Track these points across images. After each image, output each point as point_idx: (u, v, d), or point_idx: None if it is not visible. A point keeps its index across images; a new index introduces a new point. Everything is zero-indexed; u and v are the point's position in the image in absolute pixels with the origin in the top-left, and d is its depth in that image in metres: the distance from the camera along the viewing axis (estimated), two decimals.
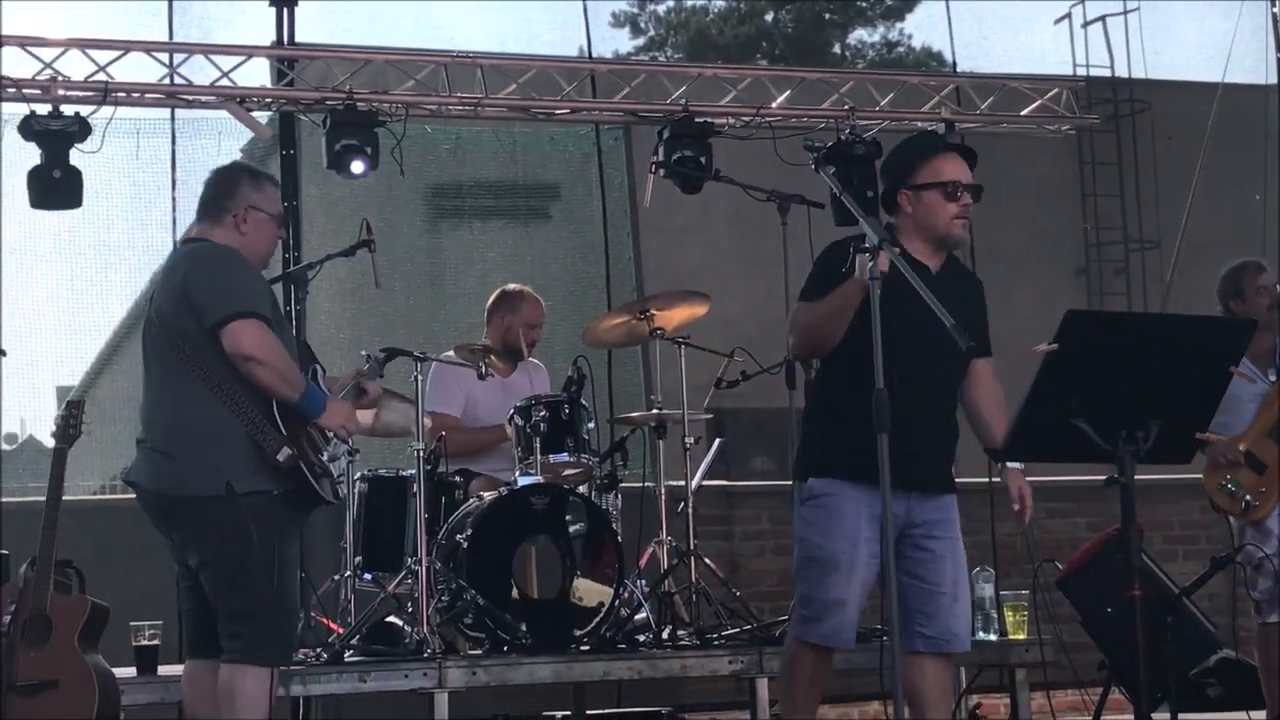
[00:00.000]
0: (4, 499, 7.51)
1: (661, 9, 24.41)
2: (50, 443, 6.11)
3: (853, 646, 5.52)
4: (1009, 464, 5.49)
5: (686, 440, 7.61)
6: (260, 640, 5.26)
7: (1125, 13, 11.92)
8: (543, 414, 7.15)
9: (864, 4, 25.81)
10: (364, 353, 6.16)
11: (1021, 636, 7.32)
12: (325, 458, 5.43)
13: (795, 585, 5.62)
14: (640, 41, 24.13)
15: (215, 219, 5.47)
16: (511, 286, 8.04)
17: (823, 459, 5.43)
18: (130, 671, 6.58)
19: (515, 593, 6.94)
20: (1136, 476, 4.77)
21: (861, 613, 5.47)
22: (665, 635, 7.20)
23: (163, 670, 6.68)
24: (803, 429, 5.66)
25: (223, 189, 5.53)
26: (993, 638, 7.35)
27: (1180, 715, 6.13)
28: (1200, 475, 7.04)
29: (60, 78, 8.18)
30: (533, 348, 7.94)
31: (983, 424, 5.62)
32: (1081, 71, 11.78)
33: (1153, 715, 5.14)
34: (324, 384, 5.59)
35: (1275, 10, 10.96)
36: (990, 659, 7.45)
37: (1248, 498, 7.00)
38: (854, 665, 6.16)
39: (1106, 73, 11.97)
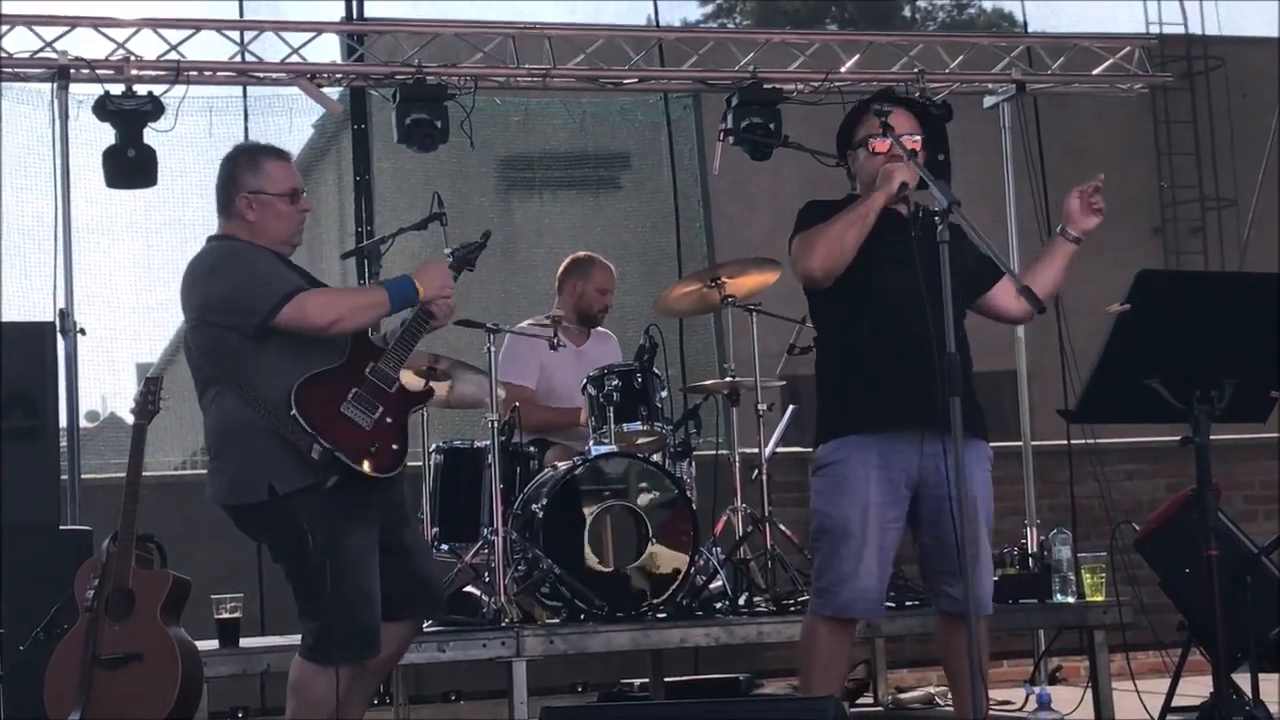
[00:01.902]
0: (86, 476, 7.60)
1: None
2: (130, 419, 6.17)
3: (875, 616, 5.48)
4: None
5: (760, 407, 7.62)
6: (323, 639, 5.26)
7: None
8: (615, 383, 7.17)
9: None
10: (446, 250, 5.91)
11: (1100, 599, 7.28)
12: (376, 420, 5.24)
13: (812, 554, 5.59)
14: (708, 9, 24.13)
15: (224, 212, 5.45)
16: (582, 253, 8.08)
17: (831, 422, 5.38)
18: (213, 644, 6.65)
19: (591, 561, 6.98)
20: (1214, 436, 4.75)
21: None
22: (741, 602, 7.21)
23: (244, 643, 6.76)
24: (818, 401, 5.57)
25: (220, 181, 5.47)
26: (1071, 600, 7.31)
27: (1261, 675, 6.09)
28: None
29: (133, 58, 8.23)
30: (604, 313, 7.96)
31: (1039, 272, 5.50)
32: (1154, 30, 11.68)
33: (1233, 676, 5.12)
34: (384, 336, 5.52)
35: None
36: (1069, 621, 7.45)
37: None
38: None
39: (1180, 30, 11.88)
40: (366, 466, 5.20)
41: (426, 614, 5.73)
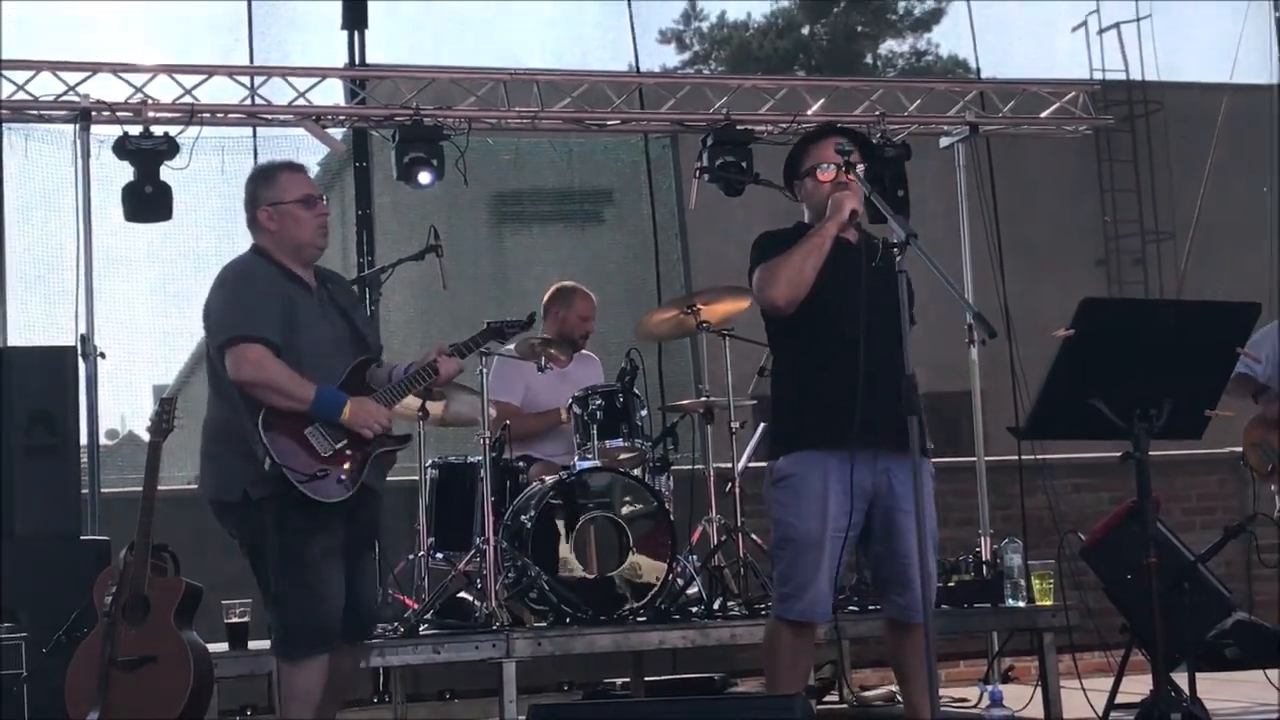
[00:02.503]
0: (105, 490, 7.58)
1: (705, 25, 24.43)
2: (146, 437, 6.15)
3: (829, 619, 5.46)
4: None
5: (732, 425, 7.60)
6: (285, 635, 5.38)
7: (1138, 19, 11.88)
8: (599, 403, 7.19)
9: (894, 16, 25.74)
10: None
11: (1048, 603, 7.28)
12: (335, 451, 5.28)
13: (774, 562, 5.54)
14: (685, 56, 24.12)
15: (250, 226, 5.54)
16: (566, 283, 8.09)
17: (790, 436, 5.36)
18: (223, 646, 6.63)
19: (576, 569, 6.95)
20: (1154, 452, 4.75)
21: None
22: (716, 606, 7.20)
23: (252, 645, 6.72)
24: (770, 416, 5.58)
25: (244, 200, 5.56)
26: (1021, 604, 7.31)
27: (1198, 675, 6.09)
28: (1215, 450, 7.04)
29: (150, 101, 8.22)
30: (586, 338, 7.97)
31: None
32: (1098, 75, 11.73)
33: (1171, 675, 5.12)
34: (390, 371, 5.53)
35: (1278, 15, 10.89)
36: (1020, 624, 7.44)
37: (1276, 461, 7.02)
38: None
39: (1121, 76, 11.91)
40: (309, 490, 5.24)
41: (362, 632, 5.70)
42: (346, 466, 5.31)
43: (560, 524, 6.95)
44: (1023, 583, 7.35)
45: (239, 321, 5.30)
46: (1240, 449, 7.26)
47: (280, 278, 5.44)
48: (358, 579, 5.50)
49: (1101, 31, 12.15)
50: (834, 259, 5.19)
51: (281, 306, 5.37)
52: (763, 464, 8.20)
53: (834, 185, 5.28)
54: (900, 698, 6.03)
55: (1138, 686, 5.36)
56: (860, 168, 5.30)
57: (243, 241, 5.54)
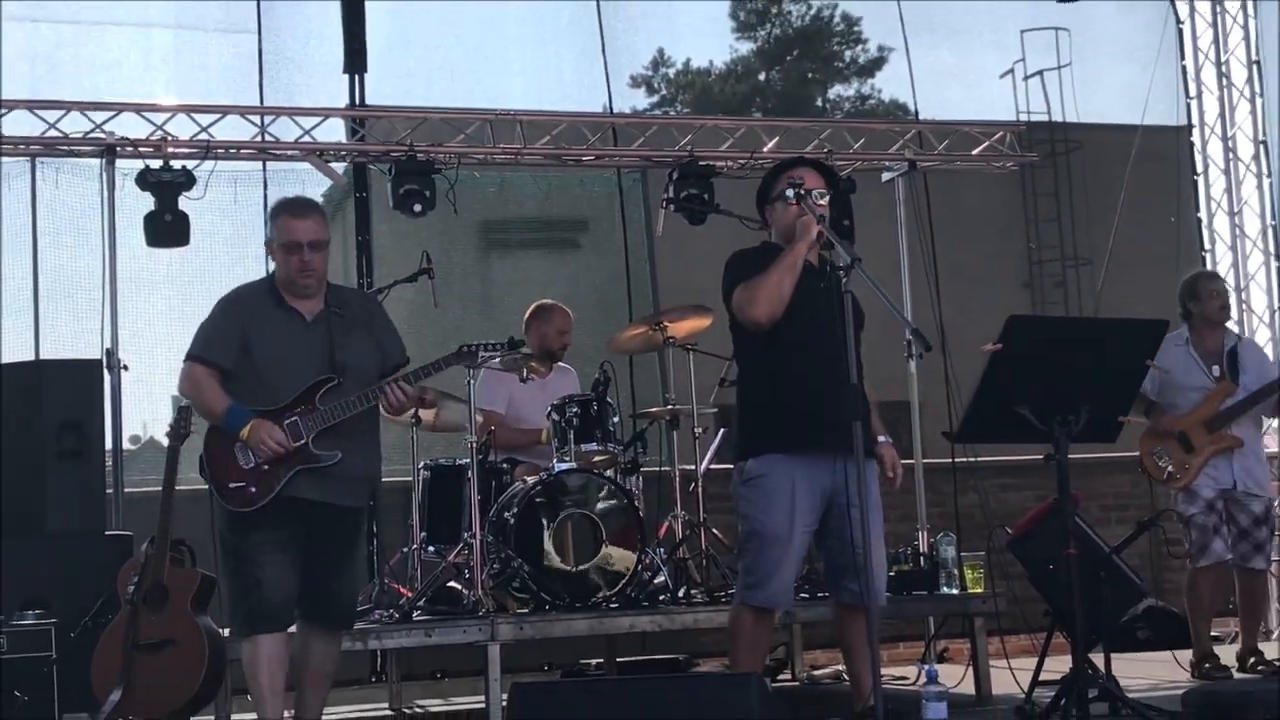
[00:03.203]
0: (127, 490, 7.55)
1: (671, 71, 24.46)
2: (165, 441, 6.13)
3: (790, 606, 5.47)
4: (881, 439, 5.34)
5: (695, 430, 7.62)
6: (234, 616, 5.53)
7: (1059, 67, 11.93)
8: (575, 410, 7.19)
9: (840, 64, 25.83)
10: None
11: (979, 590, 7.30)
12: (255, 465, 5.29)
13: (740, 554, 5.55)
14: (654, 99, 24.14)
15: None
16: (545, 301, 8.10)
17: (757, 440, 5.35)
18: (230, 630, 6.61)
19: (554, 560, 6.95)
20: (1073, 455, 4.77)
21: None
22: (680, 594, 7.20)
23: None
24: (736, 421, 5.57)
25: None
26: (955, 591, 7.32)
27: (1113, 655, 6.11)
28: (1128, 453, 7.06)
29: (170, 137, 8.21)
30: (564, 350, 7.98)
31: None
32: (1023, 117, 11.78)
33: (1089, 655, 5.14)
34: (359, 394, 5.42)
35: (1183, 64, 10.97)
36: (953, 609, 7.45)
37: (1170, 469, 7.03)
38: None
39: (1044, 118, 11.97)
40: (223, 498, 5.35)
41: (324, 624, 5.60)
42: (262, 480, 5.30)
43: (540, 520, 6.94)
44: (956, 572, 7.37)
45: (196, 344, 5.44)
46: (1138, 454, 7.28)
47: (264, 305, 5.46)
48: (326, 576, 5.45)
49: (1027, 78, 12.22)
50: (803, 281, 5.20)
51: (238, 335, 5.40)
52: (722, 466, 8.26)
53: (803, 209, 5.26)
54: (846, 675, 6.04)
55: (1059, 665, 5.38)
56: (827, 195, 5.33)
57: (253, 265, 5.59)
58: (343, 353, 5.38)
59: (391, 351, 5.63)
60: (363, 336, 5.49)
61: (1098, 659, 5.65)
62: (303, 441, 5.31)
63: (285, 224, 5.43)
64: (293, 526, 5.37)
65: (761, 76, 26.00)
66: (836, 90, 26.00)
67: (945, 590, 7.37)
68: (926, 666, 4.98)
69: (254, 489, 5.32)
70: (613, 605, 6.94)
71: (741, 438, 5.48)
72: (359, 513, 5.62)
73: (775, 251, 5.30)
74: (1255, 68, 10.80)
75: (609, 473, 7.22)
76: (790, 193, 5.29)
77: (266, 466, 5.29)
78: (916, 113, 11.06)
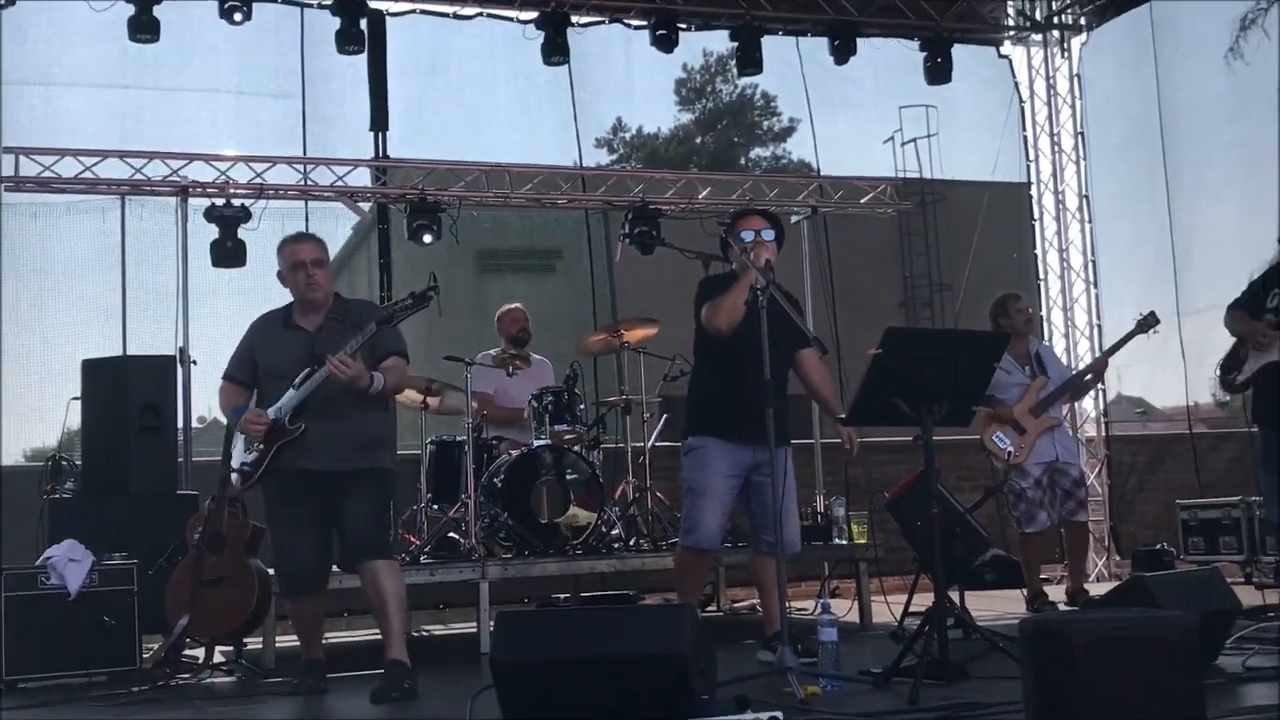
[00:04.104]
0: (195, 459, 7.52)
1: (628, 135, 24.46)
2: (224, 421, 6.10)
3: (718, 548, 5.47)
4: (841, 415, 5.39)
5: (645, 415, 7.65)
6: (276, 577, 5.41)
7: (929, 136, 11.91)
8: (550, 398, 7.19)
9: (759, 131, 25.96)
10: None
11: (863, 541, 7.33)
12: (255, 454, 5.17)
13: (682, 507, 5.58)
14: (614, 156, 24.08)
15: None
16: (504, 306, 8.07)
17: (698, 423, 5.38)
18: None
19: (533, 517, 6.95)
20: (937, 436, 4.79)
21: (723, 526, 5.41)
22: (631, 543, 7.23)
23: None
24: (686, 405, 5.57)
25: None
26: (844, 542, 7.36)
27: (966, 592, 6.16)
28: (978, 435, 7.10)
29: (231, 181, 8.19)
30: (524, 333, 7.88)
31: (819, 394, 5.59)
32: (901, 174, 11.80)
33: (947, 592, 5.17)
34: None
35: (1024, 134, 11.06)
36: (843, 556, 7.49)
37: (1010, 449, 7.07)
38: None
39: (916, 175, 11.99)
40: (236, 477, 5.32)
41: (355, 557, 5.12)
42: (256, 462, 5.18)
43: (522, 484, 6.95)
44: (845, 527, 7.40)
45: (229, 363, 5.37)
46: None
47: (271, 325, 5.31)
48: (344, 525, 5.10)
49: (903, 144, 12.22)
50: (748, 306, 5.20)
51: (250, 354, 5.30)
52: (664, 443, 8.31)
53: (755, 245, 5.25)
54: (759, 608, 6.06)
55: (924, 600, 5.42)
56: (773, 234, 5.34)
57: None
58: (323, 348, 5.07)
59: (380, 344, 5.14)
60: (381, 325, 5.14)
61: (954, 596, 5.70)
62: (280, 421, 5.09)
63: (290, 250, 5.25)
64: (306, 501, 5.14)
65: (698, 140, 26.11)
66: (756, 151, 26.06)
67: (837, 541, 7.41)
68: (822, 600, 5.00)
69: (249, 468, 5.19)
70: (578, 552, 6.96)
71: (688, 419, 5.50)
72: (361, 472, 5.12)
73: (734, 278, 5.31)
74: (1080, 138, 10.91)
75: (576, 448, 7.23)
76: (748, 236, 5.31)
77: (261, 447, 5.13)
78: (818, 170, 11.09)
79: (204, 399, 8.07)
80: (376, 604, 5.06)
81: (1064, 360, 9.81)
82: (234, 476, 5.31)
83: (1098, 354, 10.26)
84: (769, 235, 5.33)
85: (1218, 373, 5.98)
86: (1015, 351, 7.23)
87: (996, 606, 6.96)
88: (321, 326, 5.23)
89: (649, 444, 7.69)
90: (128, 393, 6.82)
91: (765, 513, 5.18)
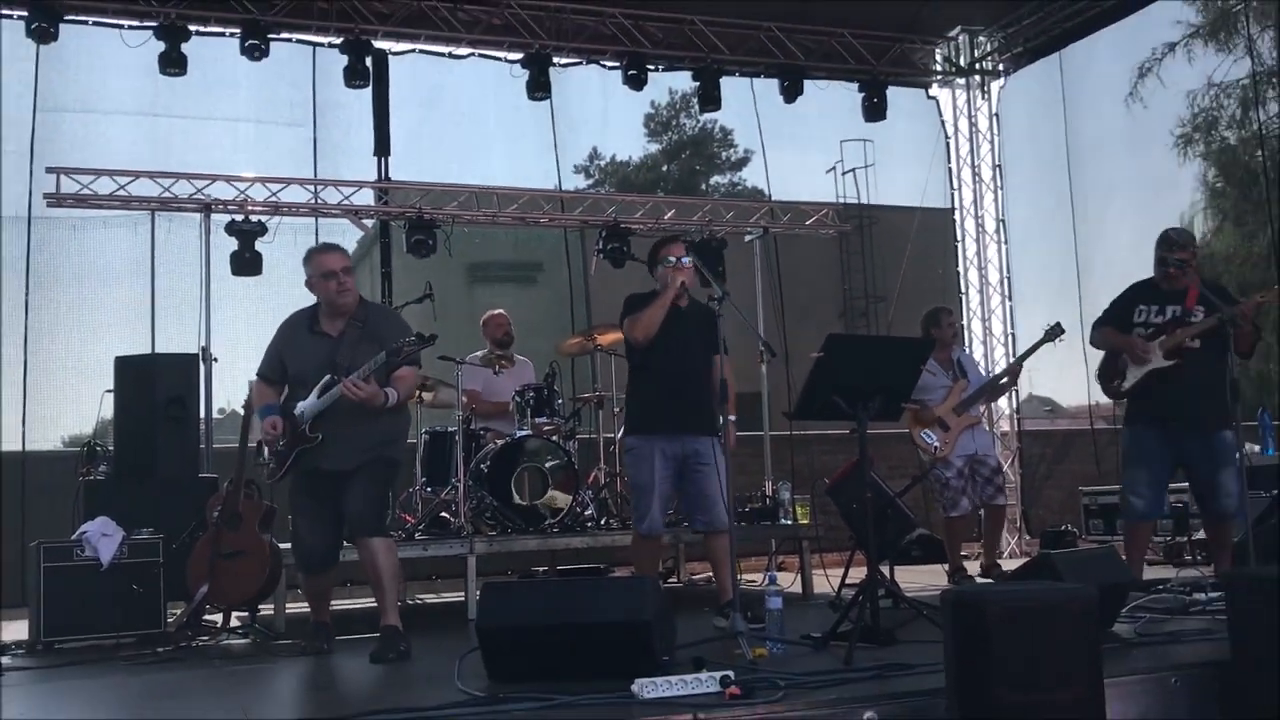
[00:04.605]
0: (215, 445, 7.46)
1: (602, 163, 24.46)
2: (242, 412, 6.06)
3: (662, 533, 5.44)
4: (732, 418, 5.23)
5: (615, 410, 7.61)
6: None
7: (866, 166, 11.97)
8: (532, 394, 7.16)
9: (718, 161, 26.02)
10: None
11: (806, 522, 7.36)
12: (274, 449, 5.04)
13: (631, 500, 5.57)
14: (590, 180, 24.08)
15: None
16: (489, 312, 7.97)
17: (634, 423, 5.37)
18: (288, 546, 6.52)
19: (515, 499, 6.93)
20: (871, 430, 4.80)
21: (666, 513, 5.41)
22: (603, 522, 7.21)
23: None
24: (626, 409, 5.56)
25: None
26: (789, 522, 7.38)
27: (896, 567, 6.18)
28: (908, 430, 7.13)
29: (249, 199, 8.14)
30: (507, 335, 7.79)
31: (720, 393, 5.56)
32: (842, 200, 11.84)
33: (879, 567, 5.18)
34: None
35: (949, 166, 11.12)
36: (788, 534, 7.50)
37: (936, 444, 7.11)
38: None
39: (855, 201, 12.04)
40: (263, 473, 5.21)
41: (353, 534, 5.02)
42: (279, 460, 5.07)
43: (506, 470, 6.93)
44: (791, 509, 7.43)
45: (261, 361, 5.21)
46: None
47: (299, 329, 5.14)
48: (349, 508, 4.98)
49: (844, 173, 12.27)
50: (670, 315, 5.25)
51: (279, 357, 5.15)
52: None
53: (673, 269, 5.32)
54: (714, 580, 6.06)
55: (859, 574, 5.44)
56: (689, 260, 5.34)
57: (305, 290, 5.22)
58: (344, 358, 4.97)
59: (391, 351, 4.96)
60: (370, 346, 4.98)
61: (885, 570, 5.72)
62: (302, 428, 5.00)
63: (319, 260, 5.11)
64: (322, 493, 5.03)
65: (664, 168, 26.10)
66: (715, 178, 26.11)
67: (783, 521, 7.43)
68: (769, 573, 5.01)
69: (274, 465, 5.10)
70: (555, 530, 6.93)
71: (626, 422, 5.50)
72: (369, 465, 5.00)
73: (655, 296, 5.33)
74: (998, 170, 10.98)
75: (555, 438, 7.21)
76: (672, 260, 5.33)
77: (281, 447, 5.04)
78: (769, 195, 11.12)
79: (224, 392, 8.02)
80: (372, 577, 5.02)
81: (981, 365, 9.89)
82: (264, 465, 5.15)
83: (1012, 360, 10.35)
84: (686, 260, 5.36)
85: (1099, 381, 6.03)
86: (941, 358, 7.27)
87: (922, 579, 6.99)
88: (343, 332, 5.07)
89: (619, 435, 7.65)
90: (155, 386, 6.77)
91: (697, 496, 5.24)
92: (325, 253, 5.18)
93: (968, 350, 9.59)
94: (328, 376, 4.98)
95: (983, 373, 7.63)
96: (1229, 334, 5.33)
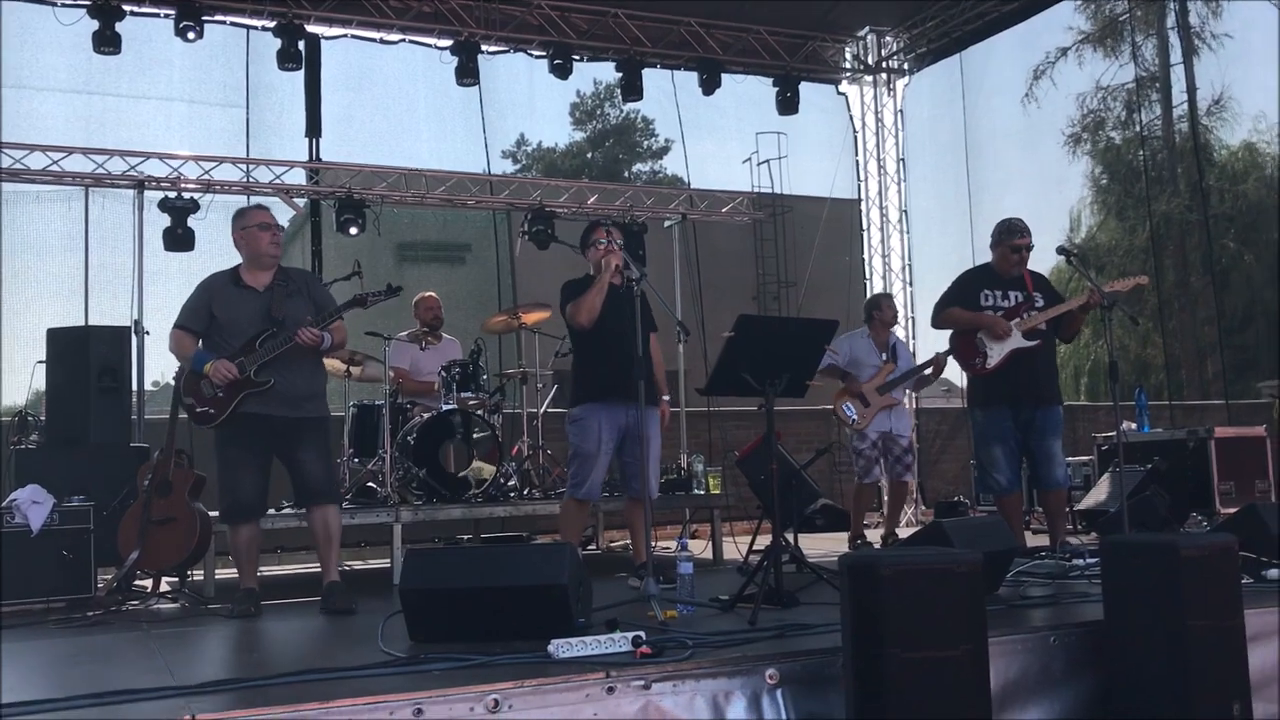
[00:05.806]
0: (148, 416, 7.30)
1: (529, 148, 24.24)
2: (173, 384, 5.92)
3: (598, 499, 5.48)
4: (665, 397, 5.37)
5: (538, 385, 7.60)
6: (219, 508, 5.18)
7: (780, 157, 11.95)
8: (457, 370, 7.09)
9: (640, 149, 25.99)
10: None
11: (717, 491, 7.43)
12: (214, 395, 4.93)
13: (568, 466, 5.58)
14: (518, 165, 23.88)
15: (235, 247, 5.19)
16: (420, 294, 7.87)
17: (579, 393, 5.39)
18: (216, 513, 6.41)
19: (441, 469, 6.88)
20: (778, 406, 4.85)
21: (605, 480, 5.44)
22: (525, 492, 7.19)
23: None
24: (571, 381, 5.59)
25: (231, 232, 5.21)
26: (702, 492, 7.44)
27: (800, 534, 6.26)
28: (813, 406, 7.23)
29: (182, 176, 7.95)
30: (438, 320, 7.70)
31: (654, 372, 5.52)
32: (756, 189, 11.92)
33: (785, 534, 5.25)
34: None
35: (856, 159, 11.24)
36: (700, 504, 7.56)
37: (854, 418, 7.23)
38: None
39: (769, 190, 12.11)
40: (194, 419, 5.06)
41: (309, 500, 5.06)
42: (216, 405, 4.98)
43: (432, 442, 6.87)
44: (703, 480, 7.49)
45: (179, 315, 5.09)
46: (830, 407, 7.46)
47: (225, 286, 5.08)
48: (296, 468, 5.04)
49: (759, 164, 12.32)
50: (608, 295, 5.24)
51: (206, 306, 5.05)
52: (555, 410, 8.29)
53: (607, 251, 5.33)
54: (630, 546, 6.10)
55: (765, 540, 5.50)
56: (620, 242, 5.36)
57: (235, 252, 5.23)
58: (280, 311, 5.01)
59: (324, 305, 5.14)
60: (300, 300, 5.07)
61: (790, 537, 5.79)
62: (246, 374, 4.96)
63: (255, 214, 5.14)
64: (257, 440, 5.02)
65: (589, 155, 26.00)
66: (637, 166, 26.08)
67: (696, 491, 7.49)
68: (681, 540, 5.04)
69: (213, 411, 4.99)
70: (479, 499, 6.90)
71: (573, 393, 5.50)
72: (307, 420, 5.04)
73: (590, 281, 5.32)
74: (901, 163, 11.14)
75: (480, 412, 7.17)
76: (603, 242, 5.33)
77: (222, 394, 4.96)
78: (688, 183, 11.14)
79: (156, 365, 7.85)
80: (323, 539, 5.05)
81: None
82: (194, 416, 5.01)
83: (912, 340, 10.52)
84: (619, 243, 5.41)
85: (956, 359, 6.14)
86: (878, 339, 7.40)
87: (824, 546, 7.10)
88: (270, 285, 5.08)
89: (541, 410, 7.66)
90: (88, 358, 6.58)
91: (635, 464, 5.26)
92: (260, 210, 5.26)
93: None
94: (269, 330, 4.97)
95: (913, 360, 7.74)
96: (1106, 314, 5.44)
